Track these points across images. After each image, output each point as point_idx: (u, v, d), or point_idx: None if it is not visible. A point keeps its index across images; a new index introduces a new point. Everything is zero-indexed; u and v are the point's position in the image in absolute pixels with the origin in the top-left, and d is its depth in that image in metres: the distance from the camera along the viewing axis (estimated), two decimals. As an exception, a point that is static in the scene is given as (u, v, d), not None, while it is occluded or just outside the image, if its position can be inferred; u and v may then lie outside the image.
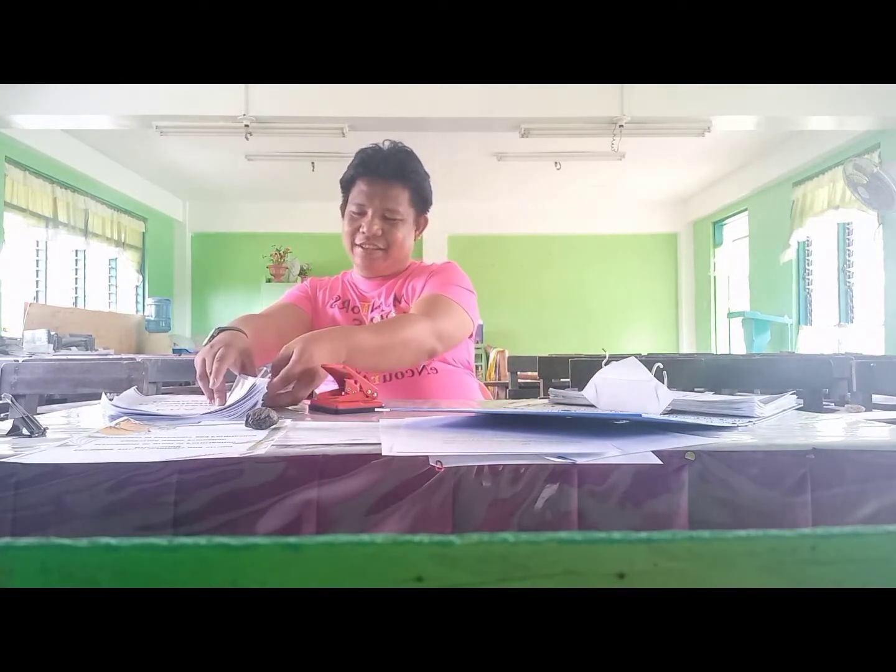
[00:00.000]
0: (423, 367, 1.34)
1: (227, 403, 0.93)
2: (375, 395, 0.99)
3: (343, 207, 1.45)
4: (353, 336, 1.09)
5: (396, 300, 1.41)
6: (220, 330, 1.13)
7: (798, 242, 5.63)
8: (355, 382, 0.97)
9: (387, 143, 1.42)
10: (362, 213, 1.39)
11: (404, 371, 1.33)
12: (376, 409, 0.97)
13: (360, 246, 1.40)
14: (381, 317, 1.41)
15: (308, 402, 1.03)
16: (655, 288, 7.94)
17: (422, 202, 1.45)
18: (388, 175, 1.38)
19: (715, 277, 7.52)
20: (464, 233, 7.58)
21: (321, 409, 0.98)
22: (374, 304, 1.43)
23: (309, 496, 0.58)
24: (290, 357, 0.97)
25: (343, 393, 0.98)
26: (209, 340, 1.09)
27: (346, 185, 1.43)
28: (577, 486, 0.59)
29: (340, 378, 0.99)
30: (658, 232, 7.91)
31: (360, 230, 1.39)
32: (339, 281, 1.51)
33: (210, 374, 0.99)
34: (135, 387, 1.21)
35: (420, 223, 1.48)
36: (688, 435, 0.70)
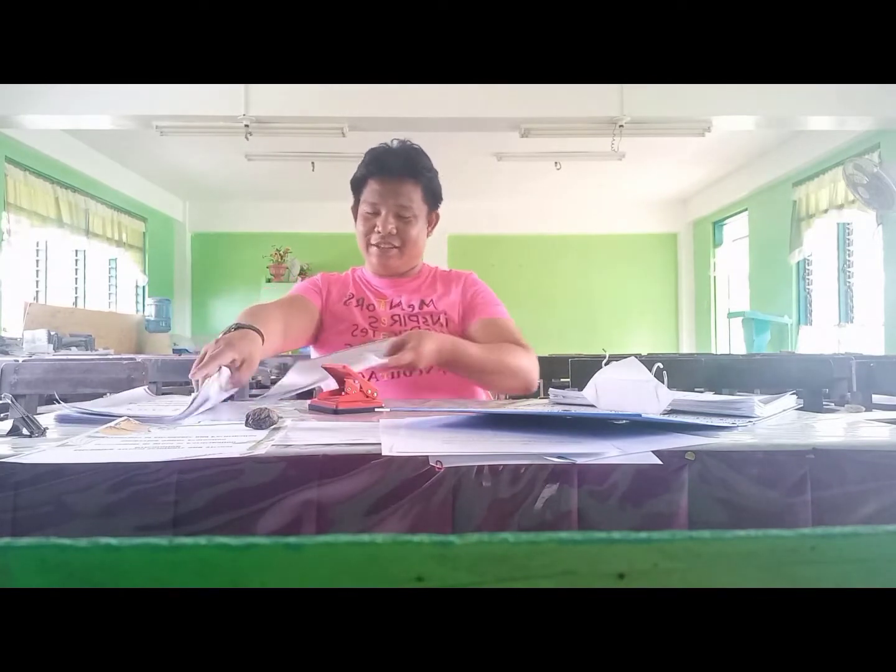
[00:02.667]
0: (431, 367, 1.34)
1: (195, 406, 0.88)
2: (375, 394, 0.99)
3: (354, 208, 1.44)
4: (460, 345, 1.22)
5: (423, 304, 1.42)
6: (238, 327, 1.05)
7: (811, 242, 5.49)
8: (355, 382, 0.97)
9: (395, 142, 1.41)
10: (376, 213, 1.39)
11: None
12: (376, 409, 0.97)
13: (376, 245, 1.40)
14: (403, 316, 1.40)
15: (308, 401, 1.03)
16: (655, 288, 7.93)
17: (433, 198, 1.45)
18: (400, 173, 1.37)
19: (715, 277, 7.51)
20: (464, 233, 7.57)
21: (321, 409, 0.98)
22: (392, 302, 1.43)
23: (309, 496, 0.58)
24: (405, 344, 1.08)
25: (343, 393, 0.98)
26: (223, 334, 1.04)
27: (358, 184, 1.42)
28: (577, 486, 0.59)
29: (340, 378, 0.99)
30: (658, 232, 7.91)
31: (375, 230, 1.39)
32: (350, 277, 1.50)
33: (198, 363, 0.94)
34: (145, 386, 1.20)
35: (432, 219, 1.48)
36: (688, 435, 0.70)
